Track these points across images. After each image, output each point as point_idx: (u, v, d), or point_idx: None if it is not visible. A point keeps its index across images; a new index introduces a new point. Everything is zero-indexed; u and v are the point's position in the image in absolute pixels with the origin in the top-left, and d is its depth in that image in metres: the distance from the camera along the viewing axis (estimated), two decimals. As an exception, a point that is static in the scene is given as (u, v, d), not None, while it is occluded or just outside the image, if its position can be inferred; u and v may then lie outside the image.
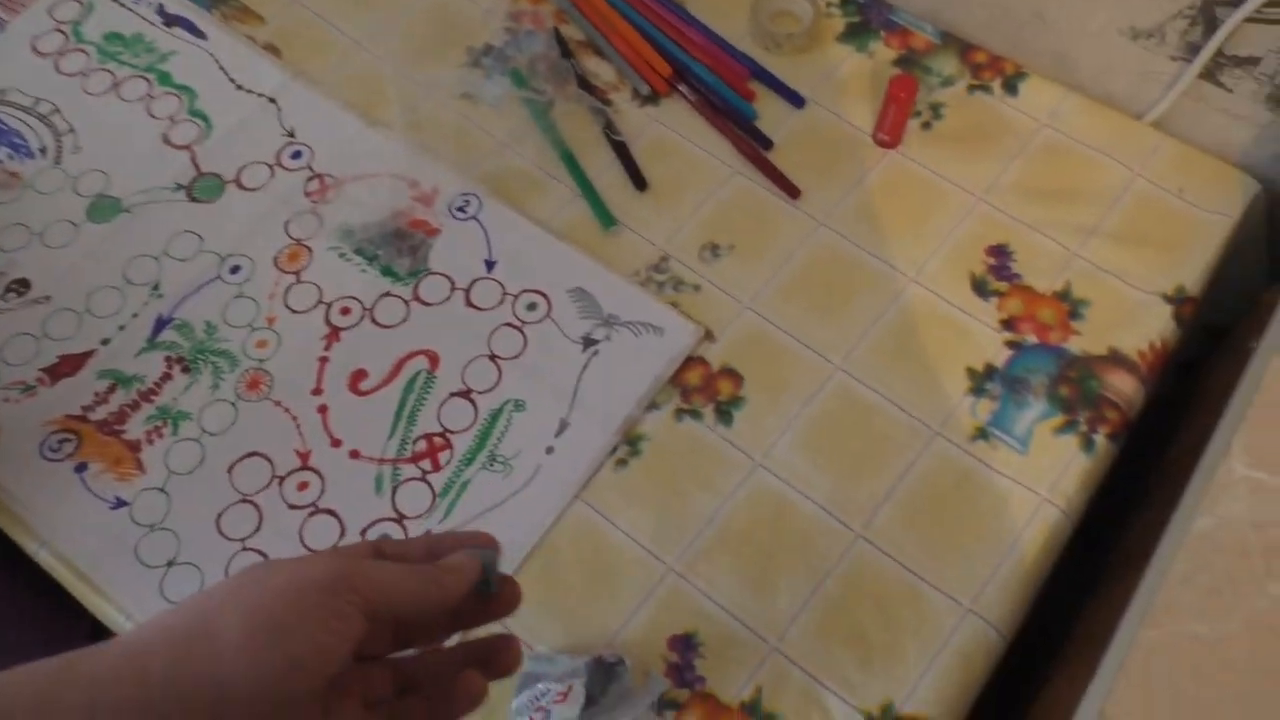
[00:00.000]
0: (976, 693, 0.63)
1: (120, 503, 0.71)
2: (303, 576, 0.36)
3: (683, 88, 0.86)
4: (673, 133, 0.84)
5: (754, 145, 0.83)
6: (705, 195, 0.81)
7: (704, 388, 0.73)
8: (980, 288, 0.77)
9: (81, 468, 0.72)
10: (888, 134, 0.83)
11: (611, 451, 0.71)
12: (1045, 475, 0.69)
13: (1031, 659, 0.69)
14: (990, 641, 0.64)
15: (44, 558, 0.70)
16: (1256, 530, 0.57)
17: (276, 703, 0.34)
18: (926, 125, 0.84)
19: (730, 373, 0.74)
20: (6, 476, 0.72)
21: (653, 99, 0.86)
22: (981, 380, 0.73)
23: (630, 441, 0.71)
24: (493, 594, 0.43)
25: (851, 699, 0.62)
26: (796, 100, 0.85)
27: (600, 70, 0.88)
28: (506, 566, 0.55)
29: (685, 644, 0.64)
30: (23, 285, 0.80)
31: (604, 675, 0.62)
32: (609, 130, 0.83)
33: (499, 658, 0.43)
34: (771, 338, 0.75)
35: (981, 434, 0.71)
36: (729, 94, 0.85)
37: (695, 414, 0.72)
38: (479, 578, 0.41)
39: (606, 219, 0.79)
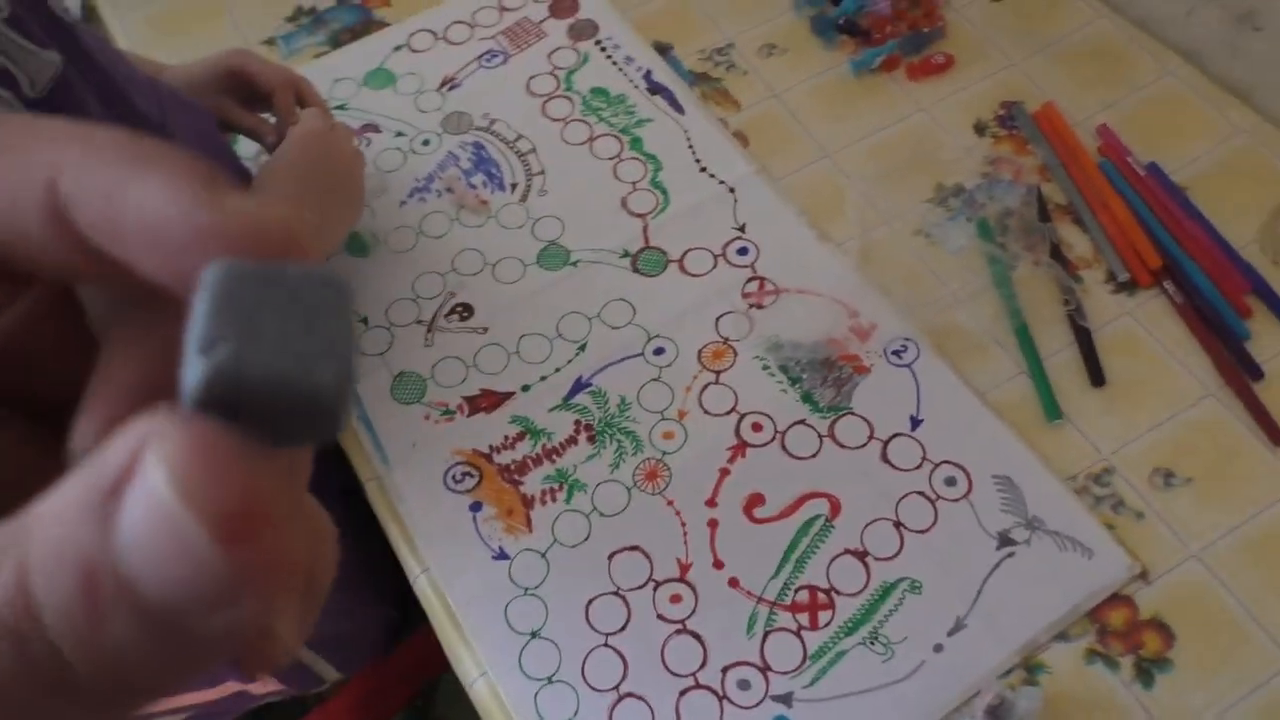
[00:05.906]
0: None
1: (502, 554, 0.72)
2: None
3: (1168, 284, 0.78)
4: (1145, 330, 0.77)
5: (1240, 371, 0.74)
6: (1169, 411, 0.73)
7: (1127, 634, 0.65)
8: None
9: (476, 506, 0.74)
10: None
11: (1005, 673, 0.64)
12: None
13: None
14: None
15: (421, 584, 0.72)
16: None
17: None
18: None
19: (1160, 625, 0.65)
20: (411, 494, 0.75)
21: (1129, 287, 0.79)
22: None
23: (1028, 668, 0.64)
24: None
25: None
26: (1301, 331, 0.75)
27: (1076, 242, 0.81)
28: None
29: None
30: (466, 310, 0.83)
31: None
32: (1075, 313, 0.77)
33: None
34: (1218, 601, 0.66)
35: None
36: (1221, 304, 0.76)
37: (1110, 662, 0.64)
38: None
39: (1052, 409, 0.73)
